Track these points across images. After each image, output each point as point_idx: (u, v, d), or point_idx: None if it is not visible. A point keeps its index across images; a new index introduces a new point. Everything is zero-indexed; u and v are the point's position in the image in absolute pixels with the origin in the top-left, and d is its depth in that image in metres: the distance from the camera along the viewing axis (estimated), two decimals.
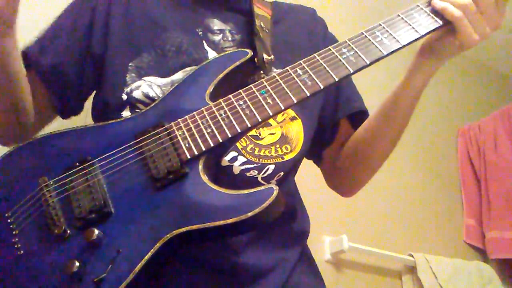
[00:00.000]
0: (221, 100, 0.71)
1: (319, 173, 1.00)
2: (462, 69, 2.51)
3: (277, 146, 0.80)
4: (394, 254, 1.64)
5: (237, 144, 0.76)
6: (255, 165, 0.77)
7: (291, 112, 0.83)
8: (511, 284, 1.96)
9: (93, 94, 0.90)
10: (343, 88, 0.95)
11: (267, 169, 0.78)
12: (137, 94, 0.79)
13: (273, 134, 0.80)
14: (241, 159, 0.76)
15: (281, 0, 1.02)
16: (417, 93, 0.81)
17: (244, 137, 0.77)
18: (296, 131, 0.83)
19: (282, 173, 0.80)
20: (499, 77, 2.68)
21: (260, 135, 0.79)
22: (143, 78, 0.81)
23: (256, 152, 0.78)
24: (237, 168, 0.76)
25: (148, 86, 0.79)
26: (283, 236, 0.82)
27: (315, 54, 0.72)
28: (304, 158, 0.90)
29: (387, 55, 0.71)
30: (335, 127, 0.94)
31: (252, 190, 0.63)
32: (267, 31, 0.89)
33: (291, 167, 0.83)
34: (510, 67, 2.67)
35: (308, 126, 0.85)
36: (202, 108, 0.71)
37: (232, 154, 0.76)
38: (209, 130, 0.68)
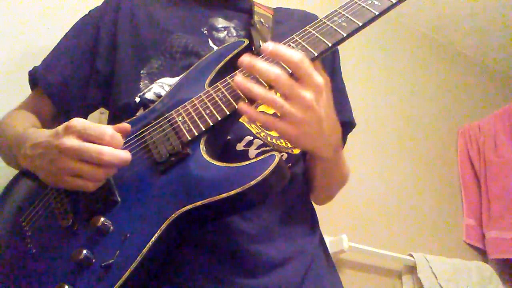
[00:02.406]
0: (218, 83, 0.71)
1: None
2: (462, 69, 2.51)
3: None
4: (394, 254, 1.64)
5: (251, 129, 0.77)
6: (271, 148, 0.78)
7: None
8: (511, 284, 1.96)
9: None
10: (335, 97, 0.96)
11: (282, 155, 0.79)
12: (149, 95, 0.81)
13: None
14: (258, 142, 0.77)
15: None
16: (328, 163, 0.81)
17: (256, 126, 0.78)
18: None
19: (290, 164, 0.82)
20: (499, 77, 2.68)
21: None
22: (155, 82, 0.82)
23: (269, 140, 0.79)
24: (253, 152, 0.76)
25: (160, 87, 0.81)
26: (301, 225, 0.82)
27: (307, 27, 0.72)
28: None
29: (380, 15, 0.69)
30: None
31: (254, 160, 0.61)
32: (267, 26, 0.90)
33: (299, 161, 0.85)
34: (510, 67, 2.67)
35: None
36: (201, 94, 0.71)
37: (248, 138, 0.76)
38: (207, 111, 0.68)
